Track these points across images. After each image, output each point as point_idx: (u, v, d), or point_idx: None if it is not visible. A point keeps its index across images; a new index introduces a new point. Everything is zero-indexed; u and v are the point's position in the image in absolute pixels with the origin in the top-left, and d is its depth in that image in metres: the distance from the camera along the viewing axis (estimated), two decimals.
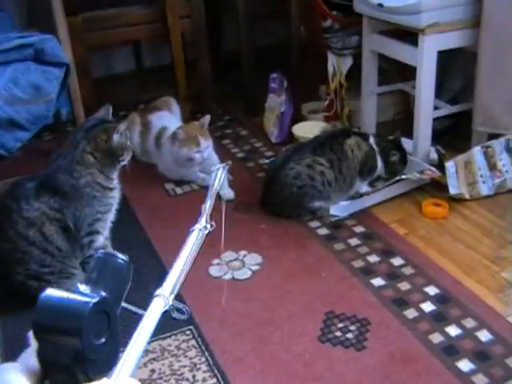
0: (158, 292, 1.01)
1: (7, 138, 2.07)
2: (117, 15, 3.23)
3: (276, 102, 3.25)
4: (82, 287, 0.91)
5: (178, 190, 2.83)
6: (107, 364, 0.89)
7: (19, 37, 2.35)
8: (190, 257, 1.06)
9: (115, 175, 2.10)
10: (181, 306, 0.88)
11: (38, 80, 2.25)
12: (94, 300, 0.87)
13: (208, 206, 1.30)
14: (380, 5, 2.63)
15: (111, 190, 2.08)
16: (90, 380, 0.83)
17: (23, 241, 1.99)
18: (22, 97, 2.17)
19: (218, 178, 1.49)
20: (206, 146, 2.74)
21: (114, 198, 2.10)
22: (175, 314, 0.88)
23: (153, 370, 1.81)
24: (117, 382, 0.81)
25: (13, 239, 1.99)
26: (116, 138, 2.03)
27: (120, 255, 0.97)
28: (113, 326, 0.90)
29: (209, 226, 1.23)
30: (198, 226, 1.20)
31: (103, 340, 0.88)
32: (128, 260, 0.97)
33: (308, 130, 2.95)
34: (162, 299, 0.99)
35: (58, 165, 2.04)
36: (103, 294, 0.90)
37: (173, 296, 0.98)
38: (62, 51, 2.43)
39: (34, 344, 0.87)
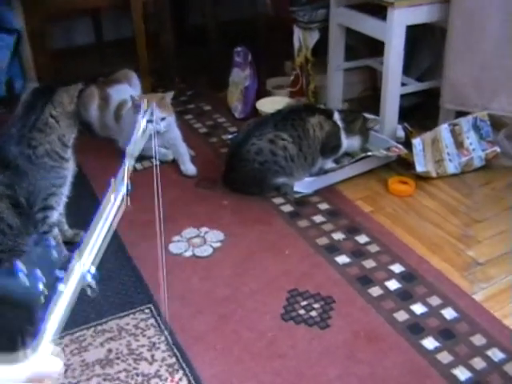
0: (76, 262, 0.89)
1: None
2: None
3: (240, 77, 3.18)
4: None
5: (138, 166, 2.74)
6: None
7: None
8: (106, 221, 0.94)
9: (71, 143, 2.03)
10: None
11: None
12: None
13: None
14: None
15: (67, 160, 2.02)
16: None
17: None
18: None
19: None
20: (160, 117, 2.64)
21: (69, 169, 2.04)
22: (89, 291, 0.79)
23: (110, 350, 1.74)
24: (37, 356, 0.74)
25: None
26: (76, 99, 2.00)
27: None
28: None
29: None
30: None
31: None
32: None
33: (272, 105, 2.89)
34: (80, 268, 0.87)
35: (10, 136, 1.94)
36: None
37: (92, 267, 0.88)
38: (14, 17, 2.33)
39: None
